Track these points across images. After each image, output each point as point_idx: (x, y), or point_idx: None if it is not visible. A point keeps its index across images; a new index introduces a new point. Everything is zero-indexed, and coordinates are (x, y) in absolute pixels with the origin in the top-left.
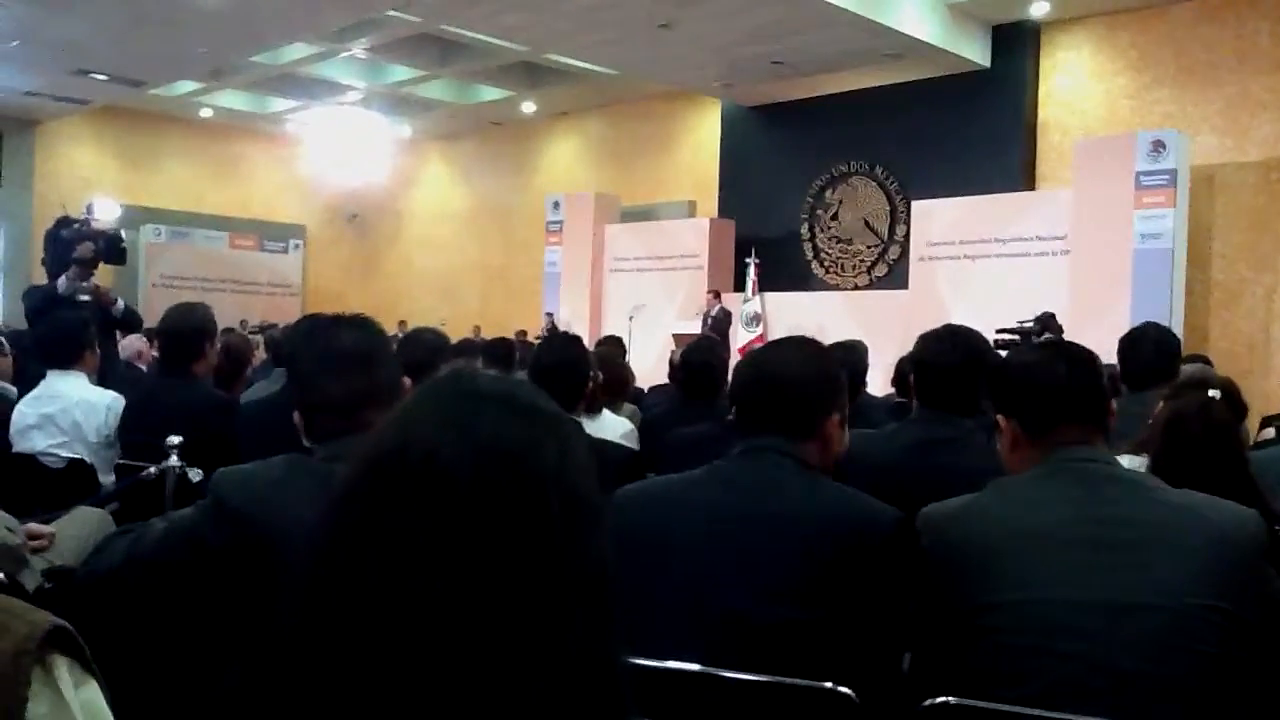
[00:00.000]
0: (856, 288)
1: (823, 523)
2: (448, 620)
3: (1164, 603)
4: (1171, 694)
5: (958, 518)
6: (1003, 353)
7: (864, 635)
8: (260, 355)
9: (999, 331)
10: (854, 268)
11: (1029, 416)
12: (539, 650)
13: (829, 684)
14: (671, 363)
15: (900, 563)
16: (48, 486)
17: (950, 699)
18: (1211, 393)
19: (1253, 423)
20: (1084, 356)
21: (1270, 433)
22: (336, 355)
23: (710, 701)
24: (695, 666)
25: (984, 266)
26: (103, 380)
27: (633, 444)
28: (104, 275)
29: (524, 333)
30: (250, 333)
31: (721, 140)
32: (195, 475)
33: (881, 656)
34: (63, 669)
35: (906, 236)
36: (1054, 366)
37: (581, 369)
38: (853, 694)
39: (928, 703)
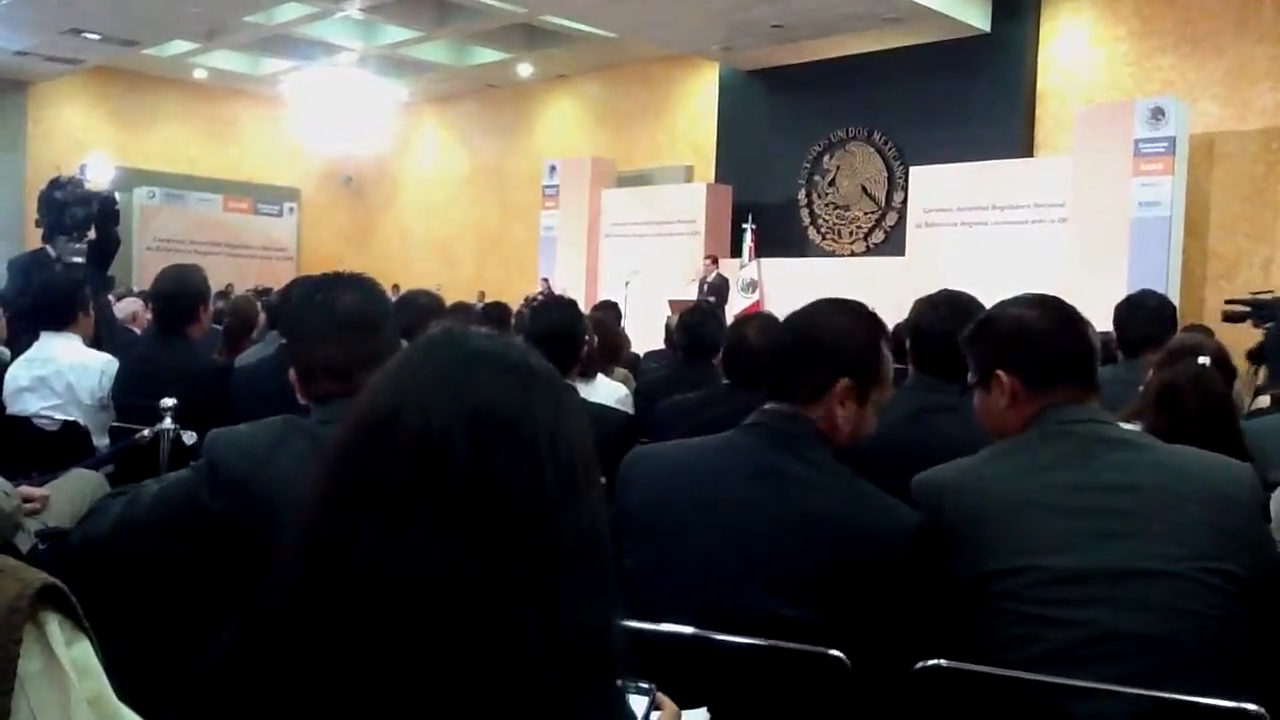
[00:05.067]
0: (853, 254)
1: (844, 526)
2: (440, 582)
3: (1164, 567)
4: (1174, 656)
5: (954, 485)
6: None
7: (872, 634)
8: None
9: (1229, 302)
10: (851, 234)
11: (1031, 370)
12: (532, 612)
13: (820, 648)
14: (668, 328)
15: (918, 571)
16: (42, 449)
17: (942, 662)
18: (1202, 360)
19: (1246, 392)
20: (1076, 315)
21: (1264, 401)
22: (337, 318)
23: (703, 668)
24: (689, 630)
25: (982, 233)
26: (97, 341)
27: (627, 408)
28: None
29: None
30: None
31: (719, 105)
32: (189, 438)
33: (884, 641)
34: (54, 626)
35: (904, 203)
36: (1048, 319)
37: (576, 333)
38: (845, 658)
39: (919, 665)
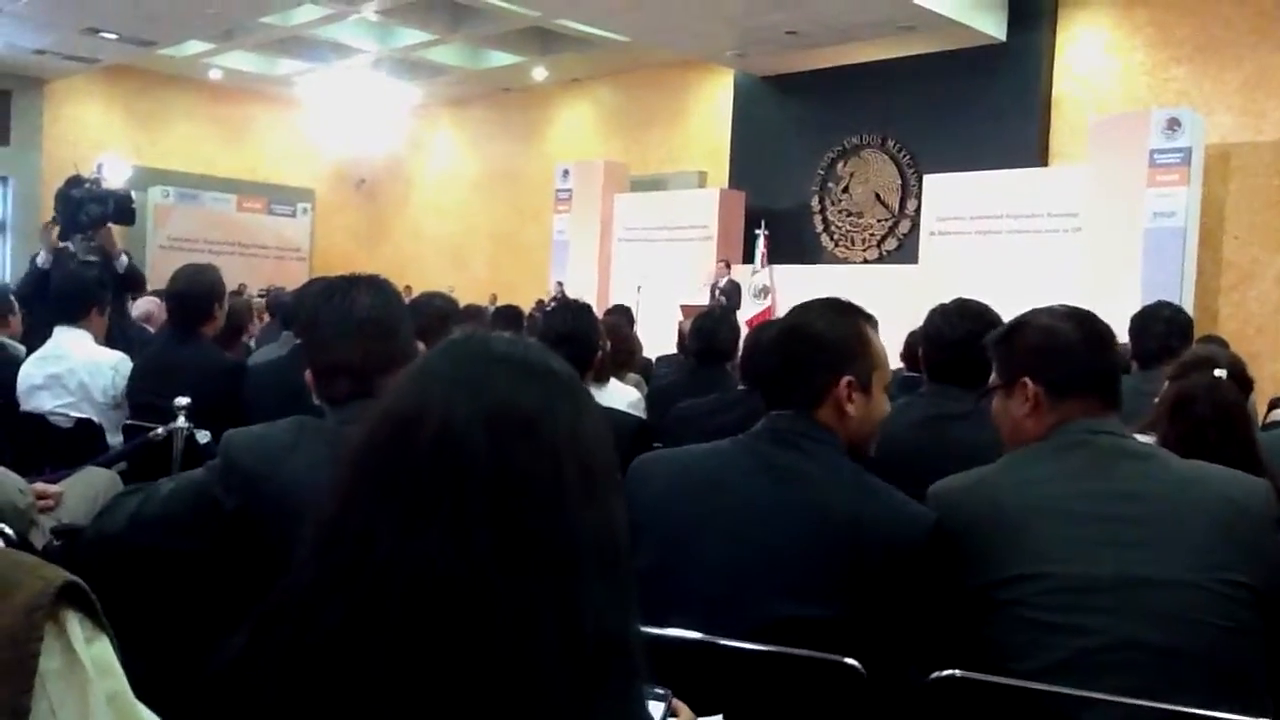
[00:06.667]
0: (866, 262)
1: (856, 522)
2: (458, 581)
3: (1179, 576)
4: (1187, 666)
5: (970, 493)
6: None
7: (886, 633)
8: (265, 318)
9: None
10: (864, 241)
11: (1056, 380)
12: (551, 613)
13: (835, 656)
14: (681, 332)
15: (931, 569)
16: (56, 446)
17: (957, 672)
18: (1218, 372)
19: (1261, 404)
20: (1108, 332)
21: None
22: (355, 320)
23: (718, 674)
24: (697, 635)
25: (995, 242)
26: (110, 341)
27: (639, 413)
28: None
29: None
30: (258, 295)
31: (733, 110)
32: (203, 437)
33: (898, 643)
34: (74, 624)
35: (917, 211)
36: (1079, 332)
37: (592, 338)
38: (860, 667)
39: (935, 675)
